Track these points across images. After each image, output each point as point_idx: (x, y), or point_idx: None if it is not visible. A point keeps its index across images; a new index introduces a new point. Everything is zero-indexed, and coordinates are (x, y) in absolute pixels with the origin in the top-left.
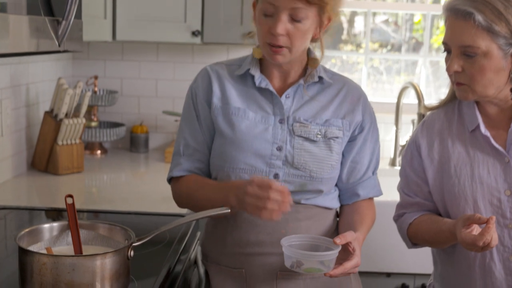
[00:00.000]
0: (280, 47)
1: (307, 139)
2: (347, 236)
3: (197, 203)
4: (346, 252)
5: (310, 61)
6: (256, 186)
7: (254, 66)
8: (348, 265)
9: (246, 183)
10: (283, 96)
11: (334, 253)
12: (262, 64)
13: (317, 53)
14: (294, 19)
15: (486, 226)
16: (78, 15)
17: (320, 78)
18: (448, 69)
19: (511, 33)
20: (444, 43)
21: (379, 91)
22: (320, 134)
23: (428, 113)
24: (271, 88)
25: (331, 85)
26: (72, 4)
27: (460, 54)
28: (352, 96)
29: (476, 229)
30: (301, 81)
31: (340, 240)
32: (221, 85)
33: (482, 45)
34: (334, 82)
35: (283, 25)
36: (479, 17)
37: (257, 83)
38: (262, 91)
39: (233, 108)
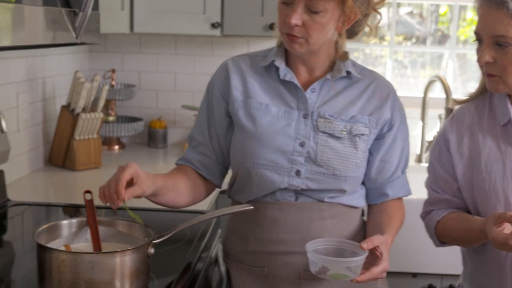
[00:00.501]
0: (296, 36)
1: (331, 135)
2: (374, 240)
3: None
4: (373, 256)
5: (338, 55)
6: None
7: (279, 58)
8: (375, 270)
9: None
10: (308, 90)
11: (361, 258)
12: (288, 57)
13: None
14: (311, 10)
15: None
16: (95, 7)
17: (348, 73)
18: (479, 60)
19: None
20: (476, 32)
21: (404, 85)
22: (345, 131)
23: (457, 107)
24: (295, 82)
25: (360, 80)
26: None
27: (492, 44)
28: (381, 92)
29: (507, 228)
30: (328, 76)
31: (367, 244)
32: (242, 79)
33: None
34: (363, 77)
35: (299, 15)
36: None
37: (281, 75)
38: (287, 84)
39: (256, 102)
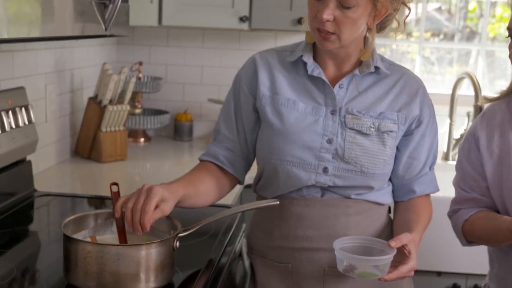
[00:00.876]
0: (328, 33)
1: (359, 132)
2: (403, 239)
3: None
4: (401, 255)
5: (366, 50)
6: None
7: (307, 53)
8: (403, 269)
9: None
10: (336, 86)
11: (389, 257)
12: (316, 52)
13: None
14: (343, 6)
15: None
16: None
17: (377, 68)
18: (511, 56)
19: None
20: (508, 28)
21: (430, 82)
22: (373, 127)
23: (488, 104)
24: (323, 77)
25: (388, 76)
26: None
27: None
28: (410, 88)
29: None
30: (356, 71)
31: (395, 243)
32: (270, 74)
33: None
34: (391, 73)
35: (330, 11)
36: None
37: (309, 71)
38: (314, 79)
39: (283, 98)
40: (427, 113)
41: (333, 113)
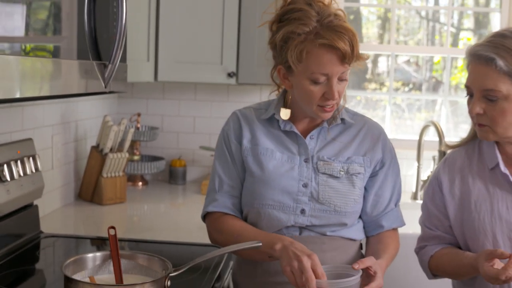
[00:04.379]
0: (332, 106)
1: (331, 175)
2: (366, 261)
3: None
4: (368, 277)
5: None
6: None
7: (278, 112)
8: (371, 286)
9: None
10: (308, 137)
11: (355, 278)
12: (289, 107)
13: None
14: (341, 79)
15: (509, 261)
16: (123, 59)
17: (342, 119)
18: (470, 112)
19: None
20: (466, 86)
21: (402, 127)
22: (343, 171)
23: (450, 151)
24: (295, 131)
25: (353, 125)
26: (118, 49)
27: (482, 97)
28: (372, 134)
29: (497, 263)
30: (325, 124)
31: (358, 265)
32: (250, 128)
33: (503, 89)
34: (355, 122)
35: (336, 87)
36: (500, 63)
37: (281, 127)
38: (288, 133)
39: (262, 148)
40: (388, 155)
41: (306, 160)
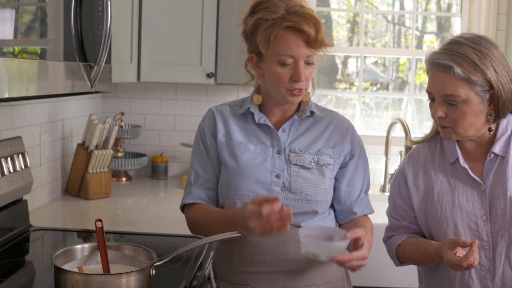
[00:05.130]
0: (301, 89)
1: (302, 166)
2: (357, 231)
3: (208, 231)
4: (355, 248)
5: (307, 95)
6: (255, 217)
7: (253, 105)
8: (355, 254)
9: (245, 214)
10: (280, 130)
11: (345, 243)
12: (261, 103)
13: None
14: (308, 63)
15: (470, 250)
16: (108, 60)
17: (312, 112)
18: (433, 115)
19: (486, 81)
20: (428, 92)
21: (370, 124)
22: (313, 162)
23: (414, 146)
24: (269, 124)
25: (322, 118)
26: (103, 51)
27: (443, 102)
28: (341, 128)
29: (460, 251)
30: (296, 116)
31: (350, 234)
32: (225, 123)
33: (462, 94)
34: (324, 116)
35: (304, 70)
36: (458, 70)
37: (256, 119)
38: (261, 126)
39: (236, 142)
40: (357, 147)
41: (279, 152)
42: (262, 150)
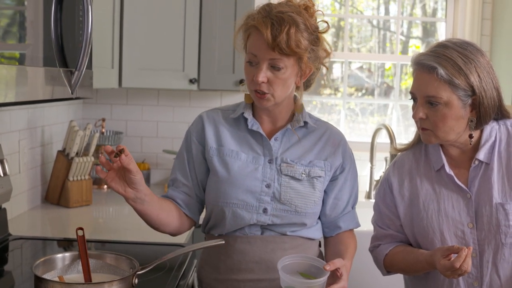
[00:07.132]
0: (264, 93)
1: (293, 177)
2: (336, 263)
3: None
4: (334, 277)
5: (296, 107)
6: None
7: (247, 111)
8: (336, 286)
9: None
10: (272, 139)
11: (324, 279)
12: (254, 110)
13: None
14: (274, 67)
15: (462, 255)
16: (89, 66)
17: (305, 123)
18: (414, 116)
19: (469, 86)
20: (411, 92)
21: (356, 130)
22: (304, 174)
23: (398, 154)
24: (261, 131)
25: (315, 129)
26: (84, 57)
27: (425, 103)
28: (333, 140)
29: (453, 258)
30: (289, 126)
31: (329, 266)
32: (215, 129)
33: (444, 96)
34: (317, 127)
35: (264, 73)
36: (441, 71)
37: (249, 125)
38: (254, 134)
39: (227, 150)
40: (348, 161)
41: (270, 162)
42: (253, 159)
